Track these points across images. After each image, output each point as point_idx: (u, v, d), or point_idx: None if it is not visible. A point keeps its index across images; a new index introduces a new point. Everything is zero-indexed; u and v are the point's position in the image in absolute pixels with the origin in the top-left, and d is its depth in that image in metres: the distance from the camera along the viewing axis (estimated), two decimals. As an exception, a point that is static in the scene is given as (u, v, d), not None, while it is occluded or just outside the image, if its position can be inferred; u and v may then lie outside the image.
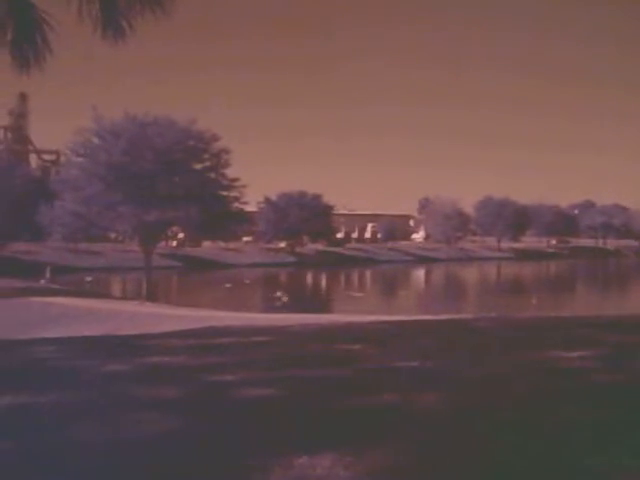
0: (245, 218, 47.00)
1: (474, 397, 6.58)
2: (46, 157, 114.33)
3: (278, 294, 45.42)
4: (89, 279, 55.61)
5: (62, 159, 62.31)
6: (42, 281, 52.27)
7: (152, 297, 38.91)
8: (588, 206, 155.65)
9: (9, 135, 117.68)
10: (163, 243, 62.60)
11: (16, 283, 42.90)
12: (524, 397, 6.54)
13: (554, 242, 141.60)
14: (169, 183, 37.59)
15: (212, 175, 40.66)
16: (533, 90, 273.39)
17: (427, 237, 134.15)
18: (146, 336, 13.66)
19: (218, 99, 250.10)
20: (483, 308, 37.04)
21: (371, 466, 4.64)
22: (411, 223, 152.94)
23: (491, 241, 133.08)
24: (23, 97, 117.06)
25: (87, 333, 17.47)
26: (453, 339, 11.29)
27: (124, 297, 46.43)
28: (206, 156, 40.16)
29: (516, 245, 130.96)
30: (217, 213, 39.80)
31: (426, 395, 6.67)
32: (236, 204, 41.81)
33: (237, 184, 41.10)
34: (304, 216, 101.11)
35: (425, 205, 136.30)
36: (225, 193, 41.05)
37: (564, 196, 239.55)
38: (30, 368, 9.15)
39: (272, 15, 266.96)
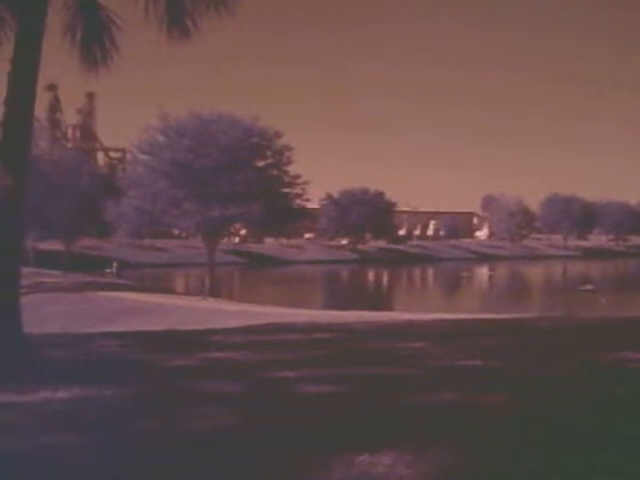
0: (307, 215, 47.12)
1: (537, 398, 6.44)
2: (113, 155, 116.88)
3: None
4: (108, 270, 56.35)
5: (128, 157, 63.48)
6: (108, 270, 53.42)
7: (214, 293, 39.34)
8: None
9: (77, 133, 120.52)
10: (226, 240, 63.19)
11: (84, 278, 44.02)
12: (588, 399, 6.38)
13: (612, 240, 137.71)
14: (232, 180, 37.86)
15: (274, 172, 40.84)
16: (594, 95, 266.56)
17: (491, 235, 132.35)
18: (208, 331, 13.81)
19: (281, 95, 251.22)
20: (548, 307, 36.37)
21: (432, 465, 4.59)
22: (475, 221, 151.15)
23: (557, 239, 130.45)
24: (91, 96, 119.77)
25: (151, 327, 17.76)
26: (517, 338, 11.10)
27: (187, 293, 47.09)
28: (269, 153, 40.36)
29: (583, 243, 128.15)
30: (279, 210, 39.98)
31: (489, 395, 6.56)
32: (298, 201, 41.91)
33: (299, 181, 41.22)
34: (366, 213, 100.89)
35: (489, 202, 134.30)
36: (287, 190, 41.18)
37: (634, 194, 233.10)
38: (95, 361, 9.34)
39: (334, 7, 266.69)
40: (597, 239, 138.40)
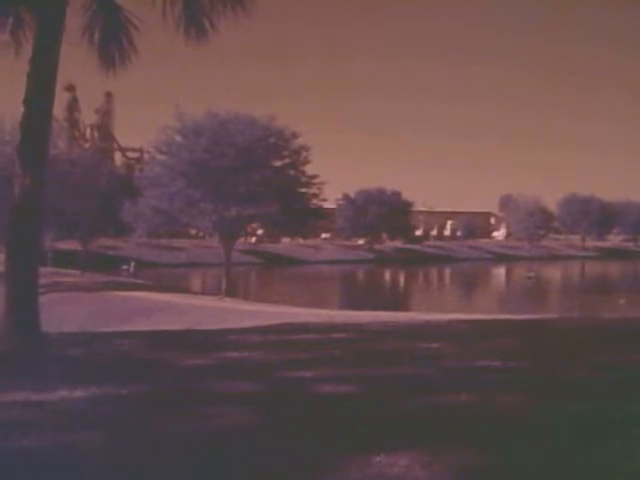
0: (323, 215, 47.10)
1: (555, 398, 6.39)
2: (130, 155, 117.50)
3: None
4: (125, 267, 56.40)
5: (145, 157, 63.76)
6: (124, 266, 53.62)
7: (231, 293, 39.43)
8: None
9: (95, 133, 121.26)
10: (242, 239, 63.33)
11: (101, 277, 44.27)
12: (606, 400, 6.32)
13: (627, 240, 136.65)
14: (249, 180, 37.94)
15: (291, 172, 40.87)
16: (614, 95, 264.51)
17: (508, 235, 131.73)
18: (225, 331, 13.84)
19: (298, 94, 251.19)
20: (567, 308, 36.14)
21: (449, 466, 4.57)
22: (492, 221, 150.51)
23: (575, 239, 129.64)
24: (109, 96, 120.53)
25: (168, 327, 17.84)
26: (535, 339, 11.04)
27: (204, 292, 47.23)
28: (286, 153, 40.37)
29: (602, 243, 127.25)
30: (296, 210, 40.00)
31: (506, 396, 6.53)
32: (315, 201, 41.91)
33: (316, 181, 41.23)
34: (383, 213, 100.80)
35: (507, 202, 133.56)
36: (304, 190, 41.20)
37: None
38: (113, 360, 9.38)
39: (354, 3, 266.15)
40: (615, 239, 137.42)
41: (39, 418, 5.89)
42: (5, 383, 7.24)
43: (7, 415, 5.99)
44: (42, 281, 12.93)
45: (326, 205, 49.38)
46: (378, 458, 4.67)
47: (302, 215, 41.36)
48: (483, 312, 26.74)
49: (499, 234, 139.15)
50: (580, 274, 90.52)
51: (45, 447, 5.10)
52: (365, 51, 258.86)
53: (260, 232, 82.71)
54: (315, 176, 41.23)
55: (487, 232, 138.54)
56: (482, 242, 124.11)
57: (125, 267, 54.29)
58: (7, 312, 10.84)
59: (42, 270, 14.30)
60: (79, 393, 6.70)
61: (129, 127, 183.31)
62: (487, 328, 13.52)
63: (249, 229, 55.92)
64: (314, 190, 41.49)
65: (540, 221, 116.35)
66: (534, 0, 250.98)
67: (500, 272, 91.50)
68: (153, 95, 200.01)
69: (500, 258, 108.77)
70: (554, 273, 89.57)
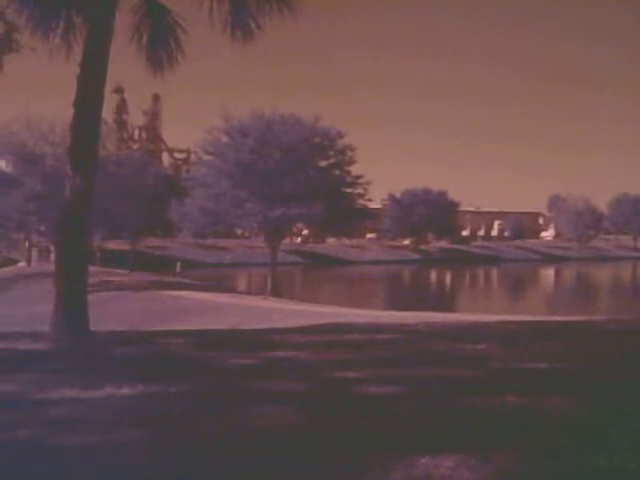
0: (369, 215, 47.01)
1: (604, 402, 6.27)
2: (177, 155, 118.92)
3: None
4: (178, 270, 56.88)
5: (192, 157, 64.43)
6: (177, 270, 54.23)
7: (276, 292, 39.61)
8: None
9: (143, 135, 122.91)
10: (288, 239, 63.61)
11: (149, 277, 44.85)
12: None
13: None
14: (294, 180, 38.06)
15: (337, 172, 40.89)
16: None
17: (557, 235, 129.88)
18: (270, 331, 13.89)
19: (345, 94, 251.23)
20: (616, 310, 35.48)
21: (495, 469, 4.51)
22: (540, 221, 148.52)
23: (626, 240, 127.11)
24: (156, 98, 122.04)
25: (214, 326, 17.97)
26: (583, 341, 10.85)
27: (249, 292, 47.52)
28: (331, 153, 40.41)
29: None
30: (341, 210, 40.00)
31: (555, 398, 6.42)
32: (360, 201, 41.86)
33: (361, 181, 41.18)
34: (429, 213, 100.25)
35: (555, 202, 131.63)
36: (349, 190, 41.18)
37: None
38: (159, 358, 9.49)
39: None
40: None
41: (87, 415, 5.99)
42: (55, 381, 7.38)
43: (57, 412, 6.10)
44: (90, 280, 13.14)
45: (372, 205, 49.27)
46: (423, 460, 4.64)
47: (347, 215, 41.33)
48: (530, 313, 26.37)
49: (548, 234, 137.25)
50: (631, 275, 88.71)
51: (92, 443, 5.18)
52: (412, 50, 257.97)
53: (305, 232, 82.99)
54: (360, 176, 41.20)
55: (535, 232, 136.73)
56: (530, 242, 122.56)
57: (178, 270, 54.89)
58: (57, 311, 11.05)
59: (90, 269, 14.54)
60: (126, 391, 6.79)
61: (179, 129, 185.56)
62: (534, 329, 13.33)
63: (294, 229, 56.18)
64: (359, 190, 41.46)
65: (590, 221, 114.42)
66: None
67: (549, 273, 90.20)
68: (200, 95, 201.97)
69: (548, 259, 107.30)
70: (604, 274, 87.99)
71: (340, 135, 40.10)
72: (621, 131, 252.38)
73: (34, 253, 60.65)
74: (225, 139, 39.54)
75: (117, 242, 59.96)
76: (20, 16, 12.10)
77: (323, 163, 40.89)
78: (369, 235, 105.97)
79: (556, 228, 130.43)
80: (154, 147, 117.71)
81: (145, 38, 12.42)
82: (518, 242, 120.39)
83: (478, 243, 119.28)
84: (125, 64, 13.76)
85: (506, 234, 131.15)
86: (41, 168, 41.67)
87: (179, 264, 56.93)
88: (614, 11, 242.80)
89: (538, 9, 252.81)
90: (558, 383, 7.13)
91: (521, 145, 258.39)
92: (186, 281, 45.67)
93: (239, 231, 61.93)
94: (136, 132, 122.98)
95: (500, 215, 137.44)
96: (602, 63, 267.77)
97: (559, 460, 4.72)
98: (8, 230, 48.55)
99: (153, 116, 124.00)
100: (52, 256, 43.52)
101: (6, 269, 55.90)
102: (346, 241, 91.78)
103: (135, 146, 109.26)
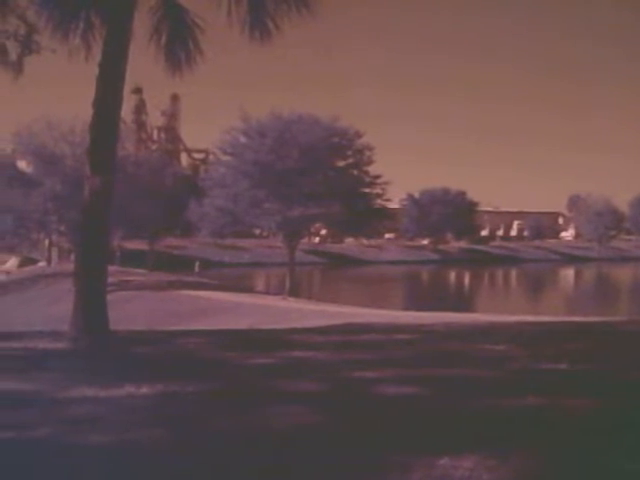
0: (387, 215, 46.92)
1: (626, 403, 6.21)
2: (196, 156, 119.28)
3: None
4: (197, 270, 56.97)
5: (211, 157, 64.63)
6: (197, 270, 54.46)
7: (294, 292, 39.62)
8: None
9: (162, 135, 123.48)
10: (306, 239, 63.68)
11: (167, 276, 45.01)
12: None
13: None
14: (313, 180, 38.05)
15: (355, 172, 40.82)
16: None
17: (577, 235, 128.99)
18: (288, 331, 13.89)
19: (364, 93, 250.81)
20: (637, 312, 35.19)
21: (515, 470, 4.48)
22: (560, 221, 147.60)
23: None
24: (175, 98, 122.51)
25: (232, 325, 18.02)
26: (603, 342, 10.76)
27: (267, 292, 47.58)
28: (349, 153, 40.34)
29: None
30: (359, 210, 39.92)
31: (575, 399, 6.37)
32: (379, 201, 41.78)
33: (380, 181, 41.09)
34: (447, 213, 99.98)
35: (575, 202, 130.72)
36: (368, 190, 41.10)
37: None
38: (178, 358, 9.52)
39: None
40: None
41: (107, 414, 6.02)
42: (75, 379, 7.42)
43: (76, 410, 6.14)
44: (110, 280, 13.22)
45: (390, 205, 49.14)
46: (442, 460, 4.61)
47: (365, 215, 41.24)
48: (550, 314, 26.21)
49: (567, 234, 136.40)
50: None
51: (111, 442, 5.20)
52: (431, 49, 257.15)
53: (324, 232, 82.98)
54: (379, 176, 41.11)
55: (555, 232, 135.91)
56: (550, 242, 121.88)
57: (197, 270, 55.13)
58: (76, 310, 11.11)
59: (110, 269, 14.62)
60: (145, 390, 6.82)
61: (197, 129, 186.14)
62: (553, 330, 13.24)
63: (313, 229, 56.19)
64: (378, 190, 41.38)
65: (610, 221, 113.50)
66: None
67: (568, 273, 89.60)
68: (219, 95, 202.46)
69: (568, 259, 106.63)
70: (624, 275, 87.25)
71: (358, 135, 40.03)
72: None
73: (54, 253, 61.12)
74: (243, 139, 39.59)
75: (136, 242, 60.22)
76: (40, 17, 12.20)
77: (341, 163, 40.84)
78: (387, 235, 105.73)
79: (576, 228, 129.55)
80: (173, 147, 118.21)
81: (164, 38, 12.47)
82: (537, 242, 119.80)
83: (497, 243, 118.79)
84: (144, 64, 13.81)
85: (525, 234, 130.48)
86: (61, 168, 41.92)
87: (197, 264, 57.09)
88: None
89: (568, 8, 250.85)
90: (578, 384, 7.07)
91: (541, 145, 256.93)
92: (204, 281, 45.79)
93: (257, 231, 62.04)
94: (155, 132, 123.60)
95: (519, 215, 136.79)
96: (623, 64, 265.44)
97: (578, 462, 4.69)
98: (28, 230, 48.91)
99: (172, 116, 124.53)
100: (72, 256, 43.79)
101: (26, 269, 56.37)
102: (364, 241, 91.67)
103: (154, 146, 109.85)
